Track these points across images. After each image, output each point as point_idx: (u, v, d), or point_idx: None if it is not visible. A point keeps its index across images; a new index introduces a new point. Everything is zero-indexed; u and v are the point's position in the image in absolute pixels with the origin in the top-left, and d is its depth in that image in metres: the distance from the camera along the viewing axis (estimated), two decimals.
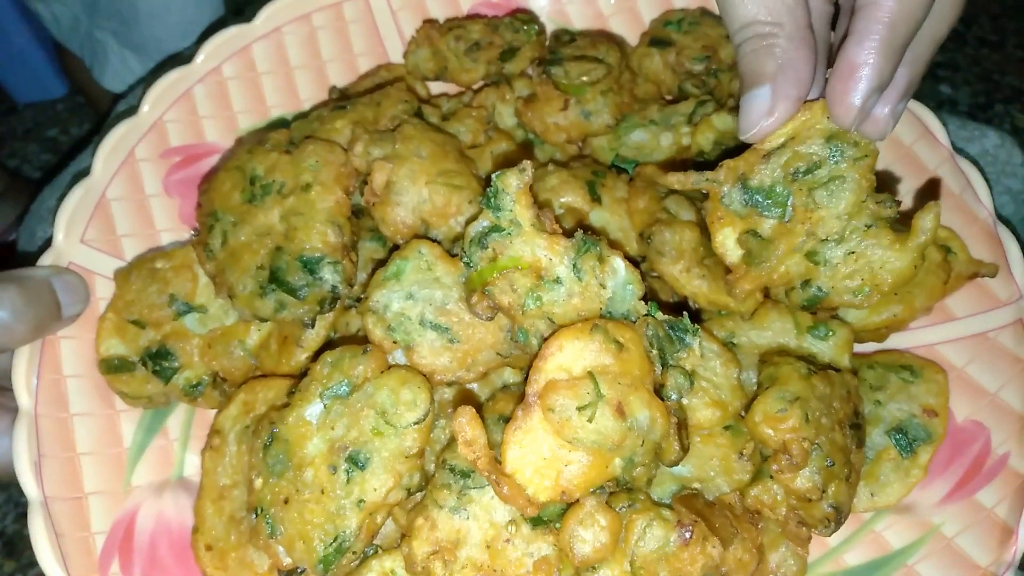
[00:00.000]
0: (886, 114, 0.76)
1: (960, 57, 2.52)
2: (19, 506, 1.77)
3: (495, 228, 0.75)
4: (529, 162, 0.76)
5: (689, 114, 1.02)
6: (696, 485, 0.80)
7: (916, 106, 0.98)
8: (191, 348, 0.91)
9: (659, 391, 0.73)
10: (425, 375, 0.80)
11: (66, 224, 0.94)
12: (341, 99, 1.04)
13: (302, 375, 0.87)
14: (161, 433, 0.94)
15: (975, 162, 0.96)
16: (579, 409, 0.68)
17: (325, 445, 0.77)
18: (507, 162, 0.99)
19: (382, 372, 0.79)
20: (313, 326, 0.87)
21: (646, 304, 0.74)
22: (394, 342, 0.81)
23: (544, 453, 0.68)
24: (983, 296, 0.92)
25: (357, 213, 0.94)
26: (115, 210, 0.99)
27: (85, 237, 0.96)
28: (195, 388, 0.91)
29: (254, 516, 0.78)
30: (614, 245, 0.80)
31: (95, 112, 2.16)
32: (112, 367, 0.91)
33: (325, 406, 0.78)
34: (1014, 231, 0.93)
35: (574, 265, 0.74)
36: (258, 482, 0.79)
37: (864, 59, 0.71)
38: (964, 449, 0.87)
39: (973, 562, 0.79)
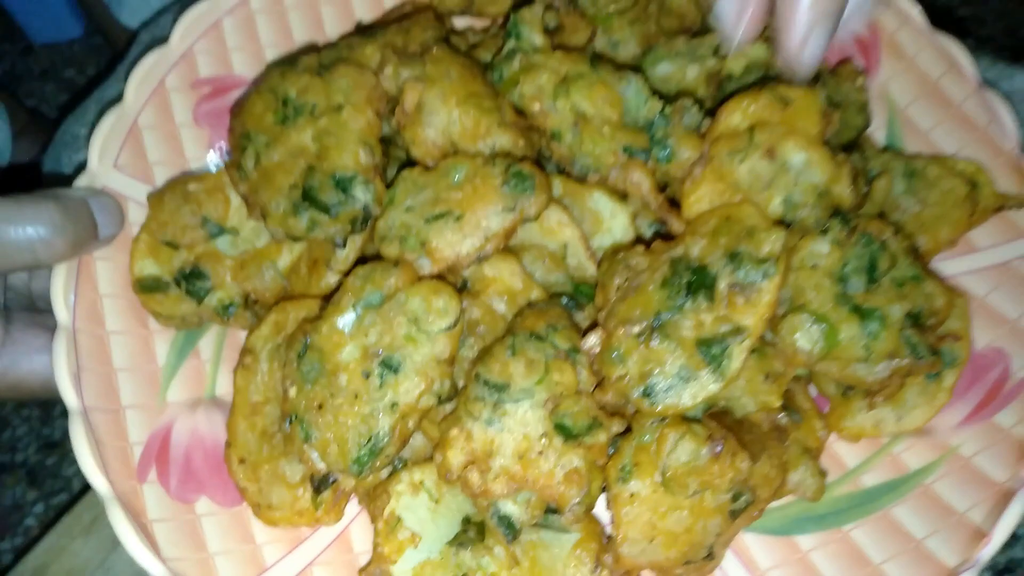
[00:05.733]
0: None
1: (985, 11, 2.50)
2: (40, 438, 1.78)
3: (519, 48, 0.88)
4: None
5: (716, 47, 1.02)
6: (722, 402, 0.81)
7: (944, 40, 0.98)
8: (223, 269, 0.92)
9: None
10: (455, 264, 0.83)
11: (100, 148, 0.95)
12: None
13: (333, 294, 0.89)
14: (193, 354, 0.96)
15: (1005, 96, 0.96)
16: (729, 154, 0.81)
17: (359, 351, 0.79)
18: None
19: (413, 284, 0.81)
20: (345, 246, 0.88)
21: (660, 100, 0.87)
22: (412, 251, 0.83)
23: (714, 198, 0.82)
24: (1006, 227, 0.93)
25: (385, 142, 0.95)
26: (146, 138, 1.00)
27: (118, 162, 0.97)
28: (227, 309, 0.93)
29: (288, 424, 0.80)
30: None
31: (112, 51, 2.15)
32: (146, 287, 0.92)
33: (358, 315, 0.80)
34: None
35: (592, 65, 0.87)
36: (292, 391, 0.81)
37: None
38: (984, 374, 0.88)
39: (990, 479, 0.81)
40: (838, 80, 1.01)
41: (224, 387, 0.95)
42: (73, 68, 2.77)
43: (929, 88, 1.00)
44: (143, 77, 1.00)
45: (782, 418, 0.81)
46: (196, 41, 1.04)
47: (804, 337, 0.82)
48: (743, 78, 0.95)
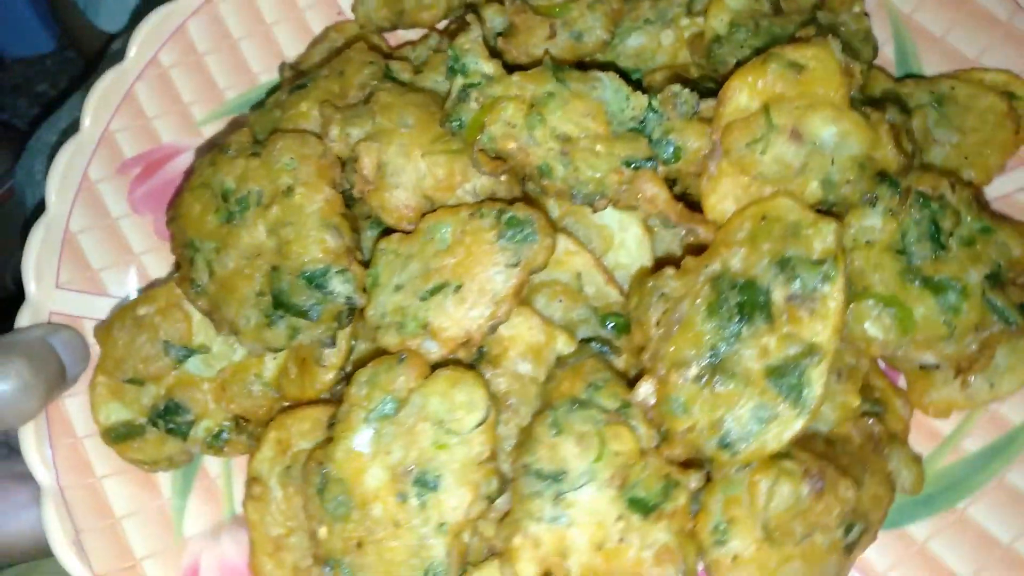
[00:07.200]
0: None
1: None
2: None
3: (470, 84, 0.74)
4: (474, 16, 0.80)
5: (688, 3, 0.89)
6: None
7: None
8: (203, 395, 0.81)
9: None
10: (467, 341, 0.72)
11: (35, 271, 0.84)
12: (297, 77, 0.91)
13: (336, 400, 0.78)
14: (200, 474, 0.86)
15: None
16: (748, 145, 0.68)
17: (386, 474, 0.68)
18: None
19: (426, 378, 0.70)
20: (334, 344, 0.77)
21: (645, 94, 0.75)
22: (414, 337, 0.72)
23: (739, 194, 0.71)
24: None
25: (348, 201, 0.82)
26: (84, 243, 0.88)
27: (60, 281, 0.86)
28: (218, 437, 0.81)
29: (328, 570, 0.70)
30: None
31: (86, 64, 2.09)
32: (119, 435, 0.81)
33: (375, 431, 0.69)
34: None
35: (557, 79, 0.74)
36: (322, 531, 0.70)
37: None
38: None
39: None
40: (833, 11, 0.89)
41: None
42: (45, 82, 2.73)
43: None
44: (63, 176, 0.88)
45: (872, 422, 0.72)
46: (111, 119, 0.92)
47: (874, 325, 0.72)
48: (732, 37, 0.83)
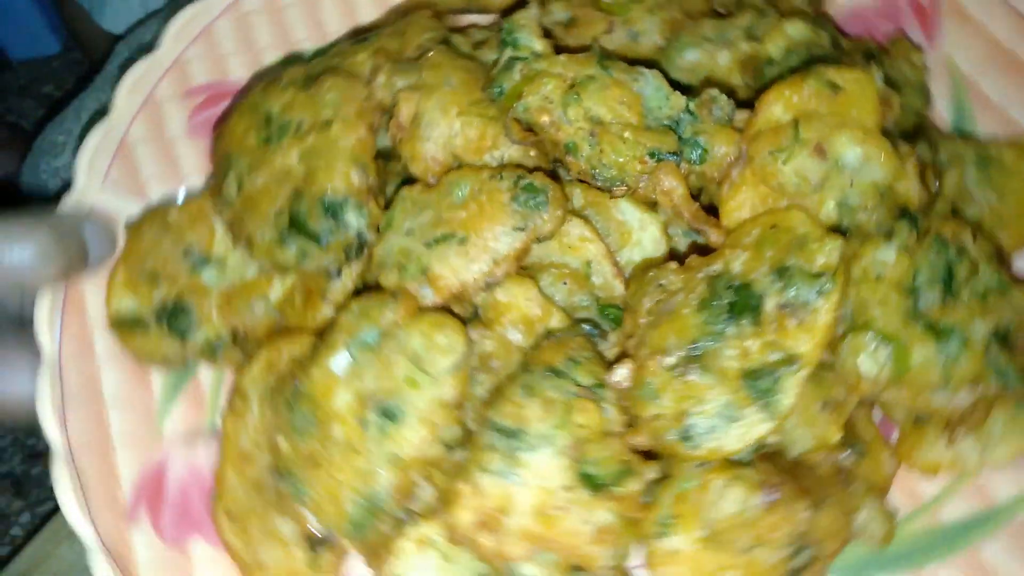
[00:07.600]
0: None
1: None
2: (25, 447, 1.84)
3: (517, 57, 0.77)
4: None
5: (747, 27, 0.90)
6: (773, 439, 0.70)
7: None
8: (208, 304, 0.84)
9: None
10: (460, 293, 0.74)
11: (88, 164, 0.88)
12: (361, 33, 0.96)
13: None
14: (192, 382, 0.88)
15: None
16: (773, 153, 0.71)
17: (354, 398, 0.70)
18: None
19: (413, 317, 0.72)
20: (340, 276, 0.79)
21: (683, 95, 0.76)
22: (413, 280, 0.74)
23: (756, 203, 0.72)
24: None
25: (383, 156, 0.85)
26: (139, 152, 0.93)
27: (108, 179, 0.90)
28: (214, 346, 0.84)
29: (280, 481, 0.71)
30: None
31: (91, 65, 2.19)
32: (124, 324, 0.84)
33: (353, 357, 0.71)
34: None
35: (600, 65, 0.76)
36: (283, 443, 0.72)
37: None
38: None
39: None
40: (892, 59, 0.89)
41: None
42: (51, 83, 2.77)
43: (1002, 56, 0.88)
44: (132, 87, 0.93)
45: (846, 457, 0.70)
46: (187, 47, 0.97)
47: (869, 360, 0.70)
48: (785, 62, 0.84)
